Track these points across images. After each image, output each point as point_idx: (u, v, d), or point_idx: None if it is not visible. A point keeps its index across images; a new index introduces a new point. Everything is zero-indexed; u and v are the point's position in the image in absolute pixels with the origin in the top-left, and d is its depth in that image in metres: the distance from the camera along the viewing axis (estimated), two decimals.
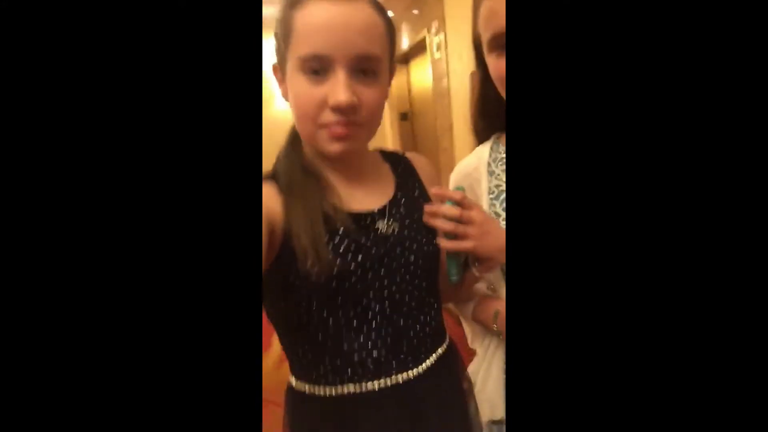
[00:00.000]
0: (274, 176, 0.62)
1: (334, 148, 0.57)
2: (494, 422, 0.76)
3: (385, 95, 0.60)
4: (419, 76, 3.42)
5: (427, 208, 0.64)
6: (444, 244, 0.63)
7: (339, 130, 0.55)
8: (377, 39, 0.56)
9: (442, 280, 0.70)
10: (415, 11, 3.01)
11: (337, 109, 0.54)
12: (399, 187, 0.68)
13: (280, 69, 0.60)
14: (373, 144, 0.68)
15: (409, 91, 3.77)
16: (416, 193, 0.69)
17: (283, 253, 0.57)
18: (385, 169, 0.70)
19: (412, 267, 0.63)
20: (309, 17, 0.53)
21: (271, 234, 0.56)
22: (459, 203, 0.61)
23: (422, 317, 0.64)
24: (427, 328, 0.65)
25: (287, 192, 0.59)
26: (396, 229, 0.63)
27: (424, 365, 0.63)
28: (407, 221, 0.65)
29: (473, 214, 0.61)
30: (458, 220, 0.61)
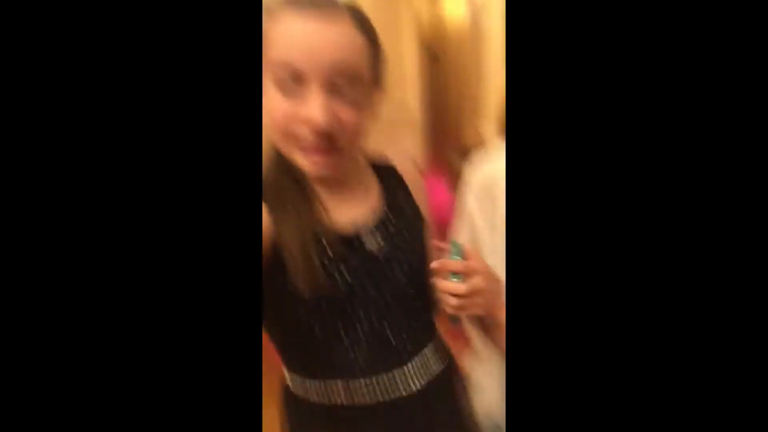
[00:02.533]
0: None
1: (311, 170, 0.55)
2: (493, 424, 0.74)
3: (367, 117, 0.57)
4: (454, 12, 2.90)
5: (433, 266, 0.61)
6: (450, 312, 0.59)
7: (315, 155, 0.54)
8: (357, 55, 0.52)
9: None
10: None
11: (313, 130, 0.51)
12: (387, 200, 0.66)
13: None
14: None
15: (441, 29, 3.18)
16: (404, 207, 0.68)
17: (273, 265, 0.56)
18: (373, 179, 0.68)
19: (400, 283, 0.62)
20: (282, 27, 0.51)
21: None
22: (463, 273, 0.57)
23: (410, 321, 0.64)
24: (415, 329, 0.65)
25: (276, 205, 0.58)
26: (384, 247, 0.62)
27: (410, 364, 0.63)
28: (395, 239, 0.63)
29: (476, 282, 0.57)
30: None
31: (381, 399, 0.61)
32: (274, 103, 0.52)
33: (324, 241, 0.57)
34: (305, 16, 0.50)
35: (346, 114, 0.52)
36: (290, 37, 0.50)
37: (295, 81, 0.50)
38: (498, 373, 0.74)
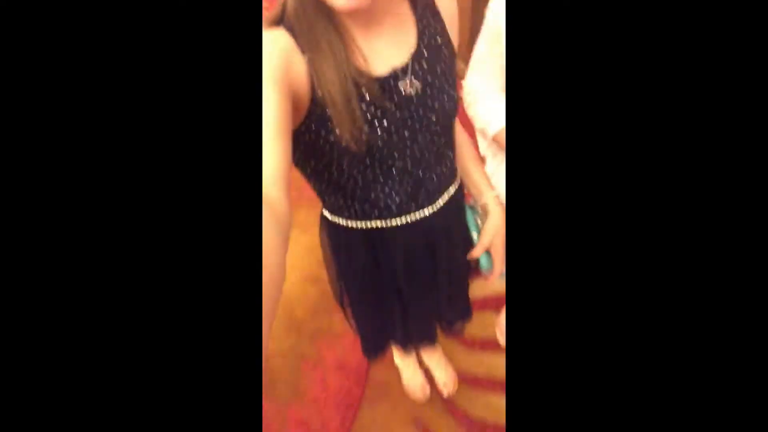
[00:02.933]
0: (284, 21, 0.53)
1: (341, 3, 0.48)
2: None
3: None
4: None
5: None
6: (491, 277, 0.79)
7: None
8: None
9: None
10: None
11: None
12: (421, 34, 0.61)
13: None
14: None
15: None
16: (438, 42, 0.63)
17: (312, 116, 0.54)
18: (407, 7, 0.61)
19: (432, 126, 0.65)
20: None
21: (297, 95, 0.51)
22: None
23: (438, 168, 0.71)
24: (442, 176, 0.72)
25: (311, 48, 0.52)
26: (419, 89, 0.60)
27: (437, 204, 0.74)
28: (429, 78, 0.61)
29: (502, 261, 0.80)
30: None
31: (411, 221, 0.73)
32: None
33: (362, 87, 0.55)
34: None
35: None
36: None
37: None
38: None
